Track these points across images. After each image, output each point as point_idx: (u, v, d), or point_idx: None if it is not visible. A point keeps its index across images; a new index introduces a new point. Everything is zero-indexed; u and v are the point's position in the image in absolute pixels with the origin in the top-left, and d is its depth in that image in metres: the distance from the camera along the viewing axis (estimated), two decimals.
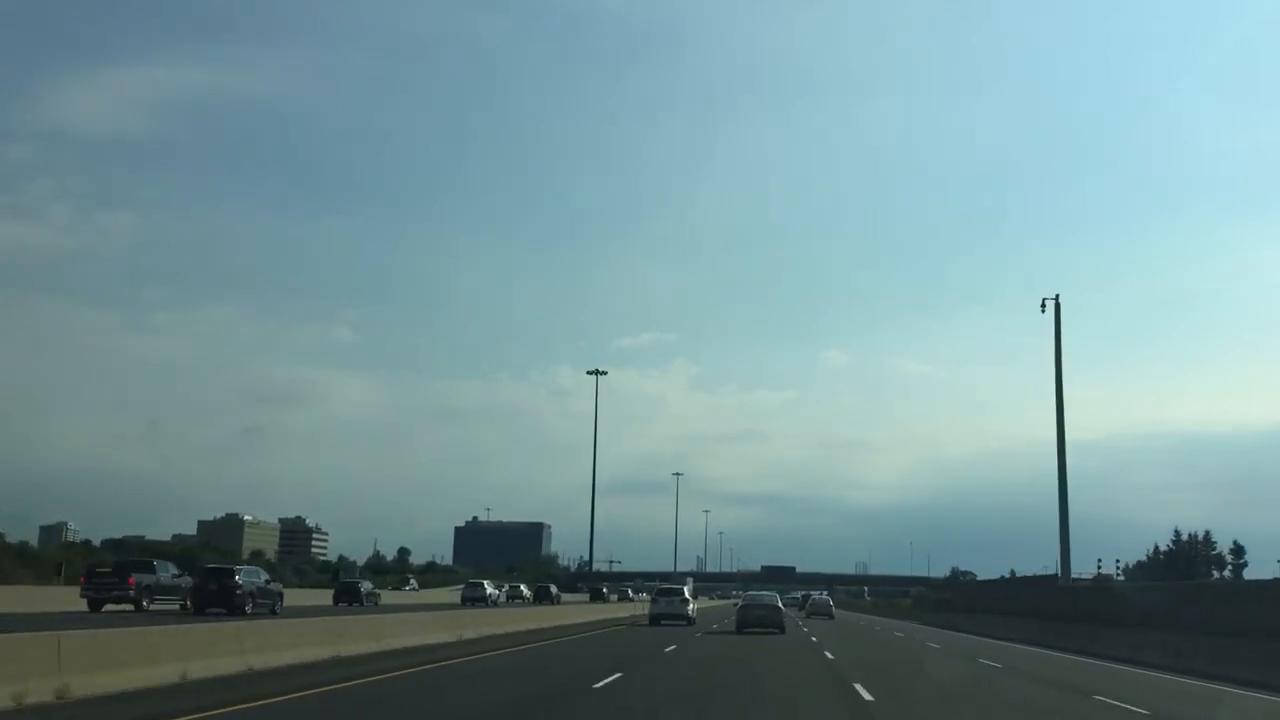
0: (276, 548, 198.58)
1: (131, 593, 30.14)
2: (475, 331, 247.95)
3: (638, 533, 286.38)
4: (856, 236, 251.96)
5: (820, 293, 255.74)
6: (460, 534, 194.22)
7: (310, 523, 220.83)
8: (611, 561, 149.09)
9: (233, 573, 33.13)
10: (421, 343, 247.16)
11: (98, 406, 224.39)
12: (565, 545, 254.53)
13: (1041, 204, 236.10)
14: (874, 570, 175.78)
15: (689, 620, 42.94)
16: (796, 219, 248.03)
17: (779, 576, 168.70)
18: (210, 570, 33.94)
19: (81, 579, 31.74)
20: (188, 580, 33.32)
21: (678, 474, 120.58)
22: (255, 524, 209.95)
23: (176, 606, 31.12)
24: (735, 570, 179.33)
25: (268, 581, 34.75)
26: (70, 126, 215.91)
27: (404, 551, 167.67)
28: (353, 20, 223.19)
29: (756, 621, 37.27)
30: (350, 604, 45.99)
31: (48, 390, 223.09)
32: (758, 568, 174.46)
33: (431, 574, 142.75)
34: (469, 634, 26.07)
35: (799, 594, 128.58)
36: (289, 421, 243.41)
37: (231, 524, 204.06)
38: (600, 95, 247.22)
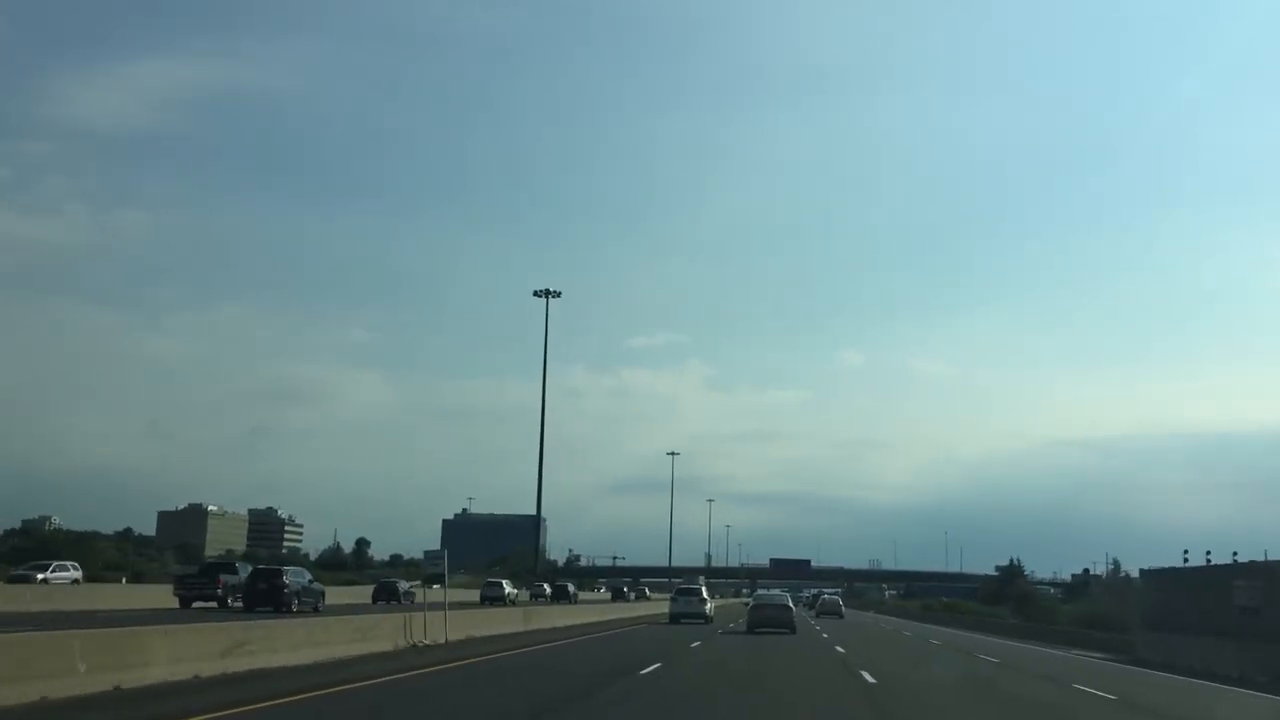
0: (245, 539, 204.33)
1: (219, 591, 36.23)
2: (487, 330, 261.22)
3: (650, 530, 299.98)
4: (870, 234, 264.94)
5: (834, 292, 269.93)
6: (449, 527, 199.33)
7: (283, 514, 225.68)
8: (615, 558, 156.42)
9: (281, 573, 39.17)
10: (433, 341, 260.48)
11: (105, 405, 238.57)
12: (562, 539, 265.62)
13: (1054, 200, 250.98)
14: (887, 567, 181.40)
15: (707, 619, 49.11)
16: (810, 217, 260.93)
17: (791, 571, 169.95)
18: (260, 571, 40.03)
19: (174, 580, 38.20)
20: None
21: (673, 453, 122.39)
22: (220, 515, 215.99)
23: None
24: (740, 565, 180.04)
25: (310, 581, 40.81)
26: (82, 122, 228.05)
27: (363, 543, 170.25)
28: (363, 15, 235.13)
29: (767, 621, 41.47)
30: (388, 601, 52.86)
31: (56, 389, 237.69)
32: (766, 561, 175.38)
33: (396, 568, 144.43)
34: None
35: (808, 593, 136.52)
36: (296, 420, 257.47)
37: (194, 514, 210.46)
38: (611, 91, 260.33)
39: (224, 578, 37.44)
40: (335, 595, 49.98)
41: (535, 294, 71.40)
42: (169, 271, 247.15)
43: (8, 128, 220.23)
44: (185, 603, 37.20)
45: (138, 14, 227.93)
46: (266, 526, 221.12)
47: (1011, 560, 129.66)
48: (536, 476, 61.81)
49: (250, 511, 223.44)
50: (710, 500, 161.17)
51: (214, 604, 36.43)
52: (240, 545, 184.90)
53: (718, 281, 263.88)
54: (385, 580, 62.64)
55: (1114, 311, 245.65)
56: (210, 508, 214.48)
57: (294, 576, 39.41)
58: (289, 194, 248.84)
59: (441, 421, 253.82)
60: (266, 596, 37.09)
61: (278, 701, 14.16)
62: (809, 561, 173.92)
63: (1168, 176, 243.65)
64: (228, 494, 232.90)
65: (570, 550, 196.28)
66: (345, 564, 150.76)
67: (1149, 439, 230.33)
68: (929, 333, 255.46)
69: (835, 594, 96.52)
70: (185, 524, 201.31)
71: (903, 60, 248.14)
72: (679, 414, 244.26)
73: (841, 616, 72.70)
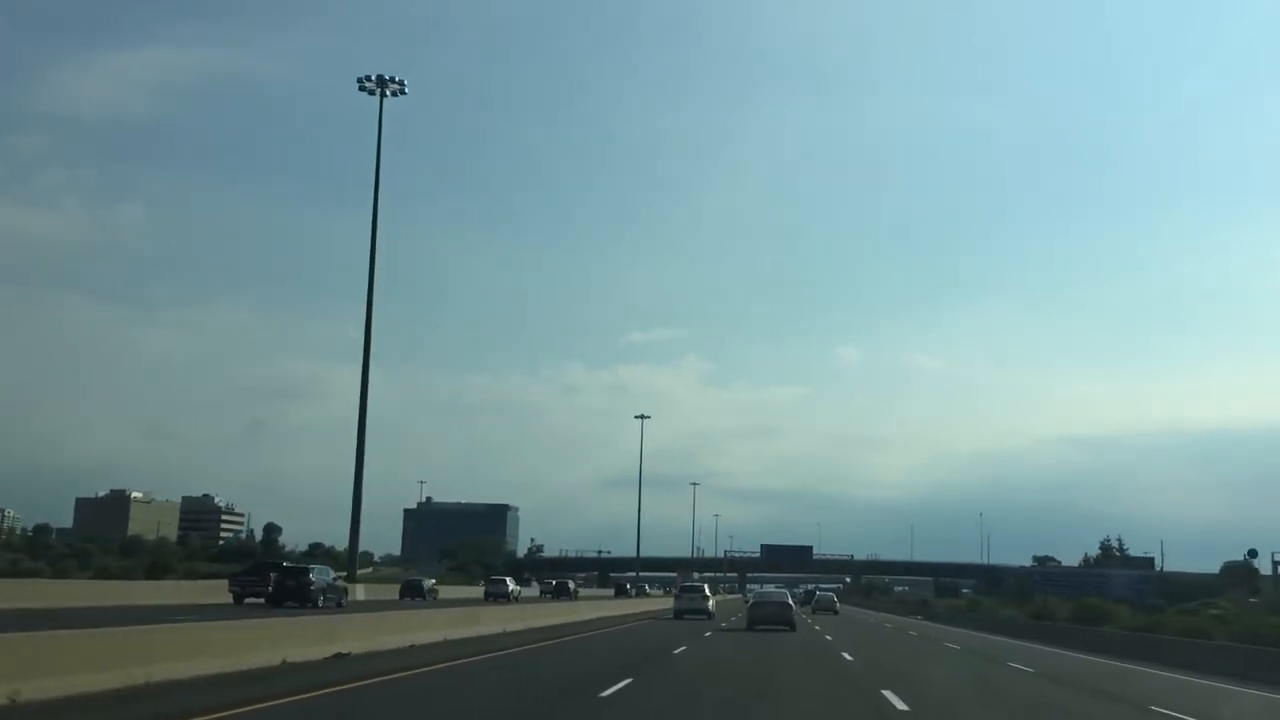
0: (176, 528, 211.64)
1: (270, 589, 44.83)
2: (485, 327, 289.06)
3: (646, 526, 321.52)
4: (869, 231, 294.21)
5: (833, 288, 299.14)
6: (411, 517, 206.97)
7: (220, 502, 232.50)
8: (601, 551, 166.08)
9: (307, 571, 47.70)
10: (430, 338, 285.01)
11: (101, 401, 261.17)
12: (533, 531, 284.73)
13: (1055, 197, 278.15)
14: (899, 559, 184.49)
15: (709, 614, 58.07)
16: (809, 213, 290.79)
17: (788, 561, 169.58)
18: (287, 569, 48.49)
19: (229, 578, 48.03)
20: None
21: (643, 416, 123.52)
22: (146, 502, 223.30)
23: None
24: (724, 555, 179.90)
25: (334, 579, 49.42)
26: (79, 115, 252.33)
27: (273, 530, 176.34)
28: (361, 6, 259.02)
29: (767, 619, 49.02)
30: (414, 598, 63.76)
31: (50, 383, 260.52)
32: (756, 550, 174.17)
33: (313, 558, 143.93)
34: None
35: (802, 588, 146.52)
36: (290, 416, 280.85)
37: (116, 502, 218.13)
38: (609, 87, 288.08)
39: (273, 575, 46.12)
40: None
41: (361, 86, 58.07)
42: (166, 266, 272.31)
43: (4, 122, 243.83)
44: (239, 599, 46.01)
45: (135, 2, 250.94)
46: (202, 515, 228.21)
47: (1107, 542, 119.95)
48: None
49: (184, 499, 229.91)
50: (694, 484, 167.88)
51: (262, 600, 44.97)
52: (170, 535, 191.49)
53: (716, 277, 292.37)
54: (410, 579, 73.44)
55: (1114, 308, 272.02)
56: (134, 495, 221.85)
57: (319, 574, 47.90)
58: (294, 188, 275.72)
59: (442, 418, 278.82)
60: (293, 593, 45.21)
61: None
62: (810, 549, 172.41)
63: (1167, 175, 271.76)
64: (214, 488, 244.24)
65: (532, 540, 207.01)
66: (252, 552, 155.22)
67: (1148, 436, 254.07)
68: (927, 329, 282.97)
69: (830, 590, 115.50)
70: (105, 512, 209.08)
71: (902, 56, 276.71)
72: (677, 410, 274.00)
73: (836, 612, 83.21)
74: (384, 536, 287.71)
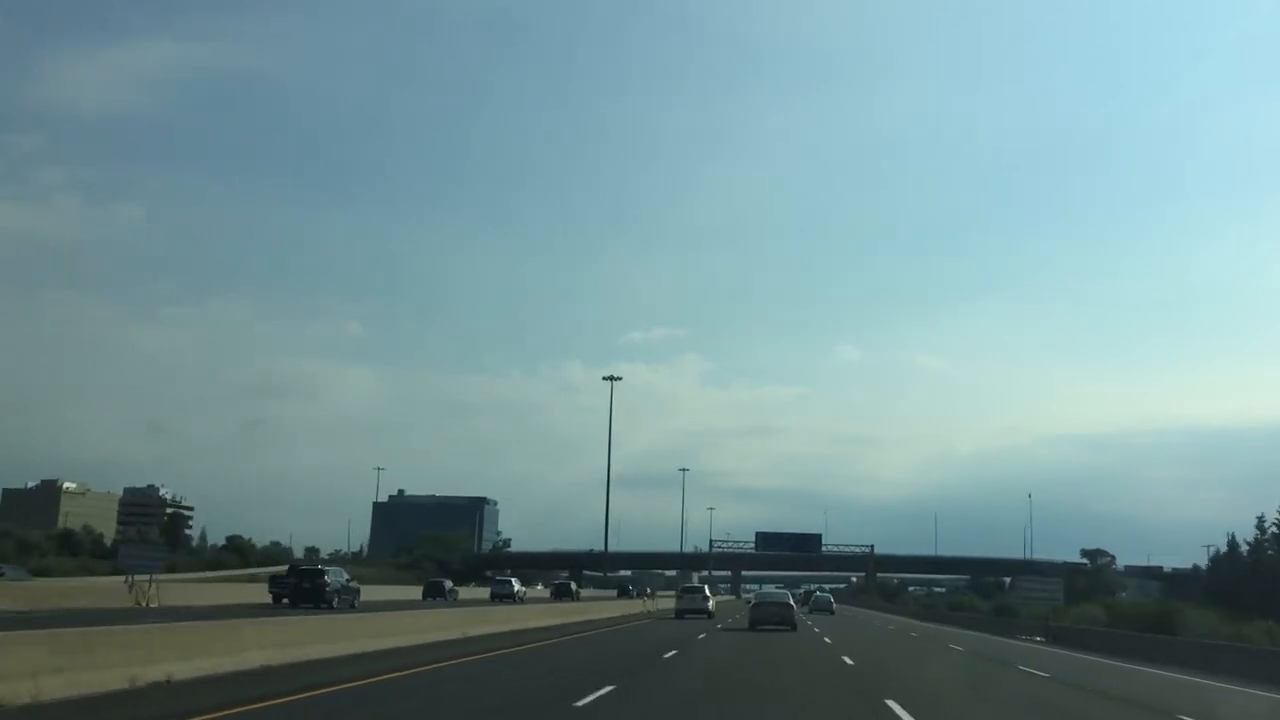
0: (115, 521, 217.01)
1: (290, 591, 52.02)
2: (484, 327, 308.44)
3: (643, 524, 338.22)
4: (869, 229, 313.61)
5: (833, 287, 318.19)
6: (380, 511, 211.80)
7: (166, 494, 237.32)
8: (591, 549, 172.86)
9: (323, 573, 54.55)
10: (429, 337, 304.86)
11: (99, 399, 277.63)
12: (525, 528, 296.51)
13: (1055, 195, 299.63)
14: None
15: (709, 614, 65.54)
16: (809, 211, 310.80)
17: (791, 555, 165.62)
18: (304, 571, 55.45)
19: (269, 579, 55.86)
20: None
21: (613, 378, 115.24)
22: (80, 493, 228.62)
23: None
24: (711, 548, 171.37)
25: (348, 580, 56.39)
26: (77, 112, 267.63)
27: (179, 519, 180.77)
28: (360, 2, 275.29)
29: (768, 619, 55.63)
30: (436, 598, 73.35)
31: (49, 381, 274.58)
32: (750, 540, 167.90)
33: (230, 554, 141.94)
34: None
35: (801, 588, 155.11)
36: (287, 415, 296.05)
37: (47, 492, 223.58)
38: (609, 83, 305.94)
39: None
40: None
41: None
42: (165, 264, 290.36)
43: (2, 120, 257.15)
44: (277, 599, 53.25)
45: None
46: (144, 508, 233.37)
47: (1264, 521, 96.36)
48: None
49: (126, 490, 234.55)
50: (683, 469, 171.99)
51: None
52: (105, 528, 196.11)
53: (716, 276, 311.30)
54: (433, 580, 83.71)
55: (1115, 306, 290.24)
56: (67, 485, 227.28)
57: (334, 576, 54.78)
58: (293, 187, 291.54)
59: (440, 417, 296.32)
60: (310, 594, 51.94)
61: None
62: (818, 537, 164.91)
63: (1167, 172, 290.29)
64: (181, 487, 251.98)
65: (499, 533, 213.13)
66: (157, 547, 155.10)
67: (1149, 434, 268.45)
68: (927, 327, 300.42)
69: (829, 592, 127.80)
70: (35, 504, 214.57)
71: (903, 52, 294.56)
72: (676, 409, 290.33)
73: (832, 612, 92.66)
74: (357, 533, 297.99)
